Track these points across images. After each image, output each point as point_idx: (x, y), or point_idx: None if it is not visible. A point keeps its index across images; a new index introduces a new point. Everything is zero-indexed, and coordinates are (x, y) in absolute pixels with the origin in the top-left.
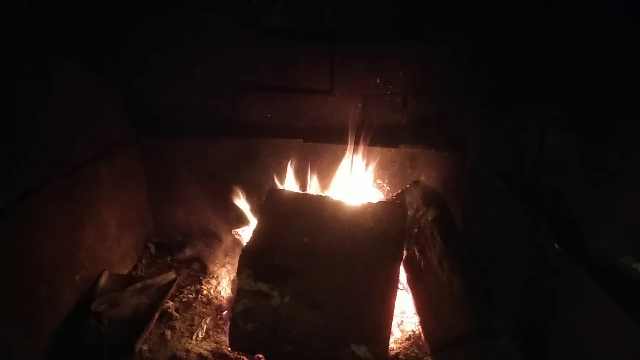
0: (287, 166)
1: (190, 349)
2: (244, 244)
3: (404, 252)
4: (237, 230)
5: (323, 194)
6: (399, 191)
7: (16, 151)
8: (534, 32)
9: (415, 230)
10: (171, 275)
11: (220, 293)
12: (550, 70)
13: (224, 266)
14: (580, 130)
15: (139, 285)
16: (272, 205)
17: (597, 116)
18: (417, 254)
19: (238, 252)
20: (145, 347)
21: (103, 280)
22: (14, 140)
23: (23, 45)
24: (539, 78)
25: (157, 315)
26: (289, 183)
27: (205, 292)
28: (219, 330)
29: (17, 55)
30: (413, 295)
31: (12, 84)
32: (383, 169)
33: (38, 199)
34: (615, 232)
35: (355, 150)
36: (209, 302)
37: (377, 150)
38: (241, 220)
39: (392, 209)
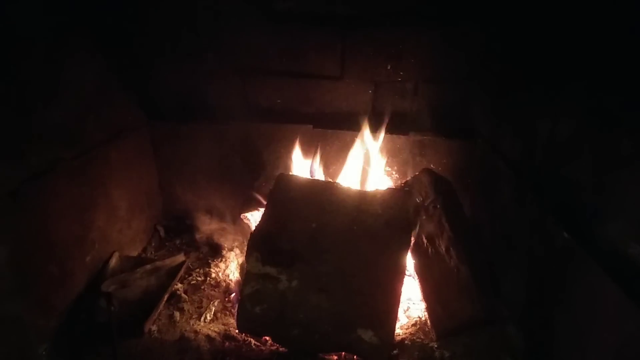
0: (296, 152)
1: (198, 330)
2: (253, 228)
3: (412, 239)
4: (246, 214)
5: (332, 180)
6: (408, 179)
7: (28, 132)
8: (547, 20)
9: (424, 217)
10: (180, 257)
11: (228, 276)
12: (562, 58)
13: (232, 250)
14: (591, 119)
15: (148, 267)
16: (281, 191)
17: (609, 105)
18: (424, 241)
19: (247, 236)
20: (154, 328)
21: (113, 261)
22: (26, 121)
23: (36, 26)
24: (551, 66)
25: (166, 297)
26: (298, 169)
27: (213, 275)
28: (227, 312)
29: (30, 38)
30: (420, 281)
31: (25, 65)
32: (392, 157)
33: (50, 180)
34: (625, 221)
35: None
36: (217, 284)
37: (387, 137)
38: (250, 205)
39: (400, 196)
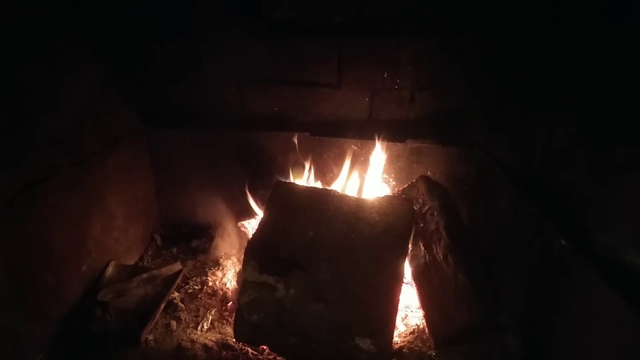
0: (293, 159)
1: (195, 339)
2: (250, 236)
3: (409, 246)
4: (243, 222)
5: (329, 188)
6: (405, 186)
7: (25, 141)
8: (541, 29)
9: (421, 224)
10: (177, 266)
11: (225, 285)
12: (558, 66)
13: (229, 258)
14: (588, 126)
15: (145, 275)
16: (278, 198)
17: (605, 112)
18: (422, 248)
19: (243, 245)
20: (150, 337)
21: (109, 270)
22: (23, 129)
23: (32, 36)
24: (547, 74)
25: (162, 306)
26: (295, 176)
27: (210, 283)
28: (224, 321)
29: (26, 46)
30: (418, 289)
31: (21, 74)
32: (389, 164)
33: (46, 189)
34: (622, 228)
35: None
36: (214, 293)
37: (384, 145)
38: (247, 213)
39: (398, 204)
